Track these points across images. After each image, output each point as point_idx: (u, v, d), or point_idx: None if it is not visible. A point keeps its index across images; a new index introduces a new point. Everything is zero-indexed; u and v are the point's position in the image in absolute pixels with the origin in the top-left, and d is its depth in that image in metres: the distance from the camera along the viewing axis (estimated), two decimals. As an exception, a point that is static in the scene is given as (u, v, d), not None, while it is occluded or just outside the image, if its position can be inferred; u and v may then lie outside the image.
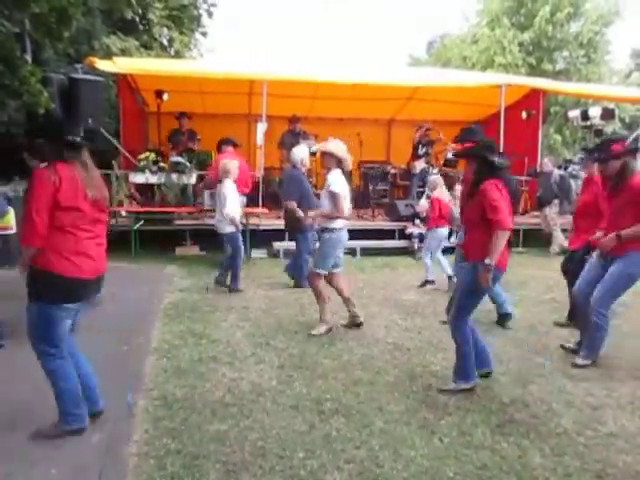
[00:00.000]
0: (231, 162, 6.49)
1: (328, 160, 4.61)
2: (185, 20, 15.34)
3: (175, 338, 4.51)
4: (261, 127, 10.37)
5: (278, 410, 3.24)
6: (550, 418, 3.24)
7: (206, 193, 8.21)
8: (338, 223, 4.68)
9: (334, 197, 4.56)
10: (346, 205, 4.66)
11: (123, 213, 8.63)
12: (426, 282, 6.64)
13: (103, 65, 8.43)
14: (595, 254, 4.19)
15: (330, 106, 11.66)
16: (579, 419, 3.24)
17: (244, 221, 7.43)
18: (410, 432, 3.02)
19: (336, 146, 4.63)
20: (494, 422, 3.18)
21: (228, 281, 6.33)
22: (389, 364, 4.06)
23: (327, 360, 4.09)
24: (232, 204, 6.19)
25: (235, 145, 7.70)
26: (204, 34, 16.57)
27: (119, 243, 8.25)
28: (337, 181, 4.57)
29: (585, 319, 4.12)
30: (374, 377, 3.78)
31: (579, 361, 4.06)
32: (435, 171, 9.51)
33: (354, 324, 4.92)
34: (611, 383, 3.78)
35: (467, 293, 3.50)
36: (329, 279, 4.86)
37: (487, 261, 3.26)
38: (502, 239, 3.27)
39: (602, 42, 17.36)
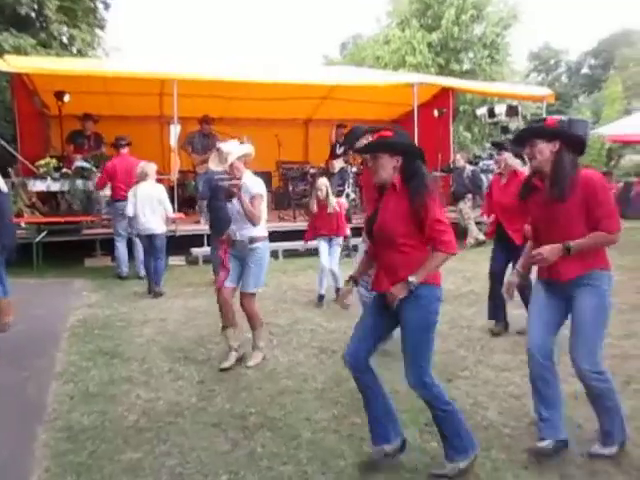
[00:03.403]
0: (148, 164, 6.50)
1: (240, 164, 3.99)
2: (79, 12, 14.38)
3: (83, 359, 4.12)
4: (174, 129, 9.95)
5: (198, 430, 3.01)
6: (476, 411, 3.25)
7: (104, 201, 7.76)
8: (265, 230, 4.17)
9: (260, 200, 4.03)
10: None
11: (22, 224, 7.93)
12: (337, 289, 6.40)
13: (-12, 63, 7.71)
14: (536, 282, 2.91)
15: (246, 107, 11.43)
16: (504, 410, 3.28)
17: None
18: (339, 441, 2.91)
19: (241, 147, 4.13)
20: (422, 421, 3.13)
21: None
22: (316, 369, 3.93)
23: (251, 370, 3.90)
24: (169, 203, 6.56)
25: (129, 144, 7.37)
26: (102, 27, 15.63)
27: (21, 257, 7.56)
28: (257, 182, 4.07)
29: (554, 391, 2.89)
30: (300, 385, 3.64)
31: (605, 451, 2.78)
32: (354, 169, 9.57)
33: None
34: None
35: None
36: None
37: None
38: None
39: (503, 44, 18.34)
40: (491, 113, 11.98)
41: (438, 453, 2.79)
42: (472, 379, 3.73)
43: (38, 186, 7.51)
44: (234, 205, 3.98)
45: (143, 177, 6.43)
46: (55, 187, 7.49)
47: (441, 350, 4.26)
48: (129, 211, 6.39)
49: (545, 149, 2.66)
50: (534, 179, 2.78)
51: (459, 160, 9.82)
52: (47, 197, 8.00)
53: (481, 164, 10.71)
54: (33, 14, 14.15)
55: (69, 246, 8.05)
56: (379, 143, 2.63)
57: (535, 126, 2.86)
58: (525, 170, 4.49)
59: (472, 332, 4.79)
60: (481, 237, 9.88)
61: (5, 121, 12.52)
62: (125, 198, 6.65)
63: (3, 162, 8.14)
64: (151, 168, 6.50)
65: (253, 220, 3.91)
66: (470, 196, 9.55)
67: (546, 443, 2.72)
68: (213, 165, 4.09)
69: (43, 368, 3.96)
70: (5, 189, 4.34)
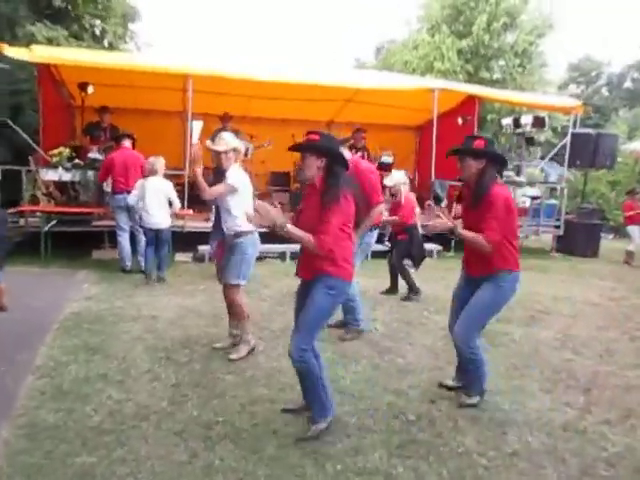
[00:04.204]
0: (157, 159, 6.55)
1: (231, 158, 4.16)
2: (111, 4, 14.56)
3: (64, 354, 4.08)
4: (196, 125, 9.94)
5: (160, 437, 2.92)
6: (454, 437, 3.08)
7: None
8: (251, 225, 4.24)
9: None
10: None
11: (39, 213, 8.02)
12: None
13: (14, 52, 7.82)
14: (461, 276, 3.55)
15: (268, 106, 11.37)
16: (483, 437, 3.09)
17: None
18: (302, 458, 2.78)
19: (236, 141, 4.26)
20: (395, 443, 2.98)
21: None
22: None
23: (230, 376, 3.80)
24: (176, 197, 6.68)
25: (130, 137, 7.36)
26: (132, 21, 15.78)
27: (30, 246, 7.67)
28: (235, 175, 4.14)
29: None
30: (276, 394, 3.52)
31: (468, 400, 3.47)
32: None
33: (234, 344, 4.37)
34: (522, 396, 3.68)
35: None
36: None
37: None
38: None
39: (536, 53, 17.90)
40: (516, 123, 11.64)
41: (403, 479, 2.65)
42: (457, 401, 3.55)
43: (50, 175, 7.58)
44: (221, 201, 4.10)
45: (153, 172, 6.49)
46: (66, 177, 7.55)
47: (430, 367, 4.12)
48: (131, 200, 6.47)
49: (472, 165, 3.20)
50: (464, 188, 3.37)
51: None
52: (64, 187, 8.10)
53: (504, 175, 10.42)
54: (68, 6, 14.41)
55: (79, 237, 8.11)
56: (305, 145, 2.96)
57: (464, 147, 3.26)
58: None
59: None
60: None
61: (33, 111, 12.78)
62: (123, 191, 6.77)
63: (28, 151, 8.22)
64: (160, 163, 6.57)
65: (200, 193, 4.08)
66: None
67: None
68: (215, 146, 4.17)
69: (23, 361, 3.92)
70: None
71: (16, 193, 8.20)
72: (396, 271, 6.46)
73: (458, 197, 3.50)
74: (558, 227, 10.92)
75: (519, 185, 10.26)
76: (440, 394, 3.63)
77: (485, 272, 3.28)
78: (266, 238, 4.29)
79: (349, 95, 11.67)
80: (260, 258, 6.87)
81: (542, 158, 13.97)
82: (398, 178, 6.36)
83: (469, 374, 3.52)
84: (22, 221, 7.75)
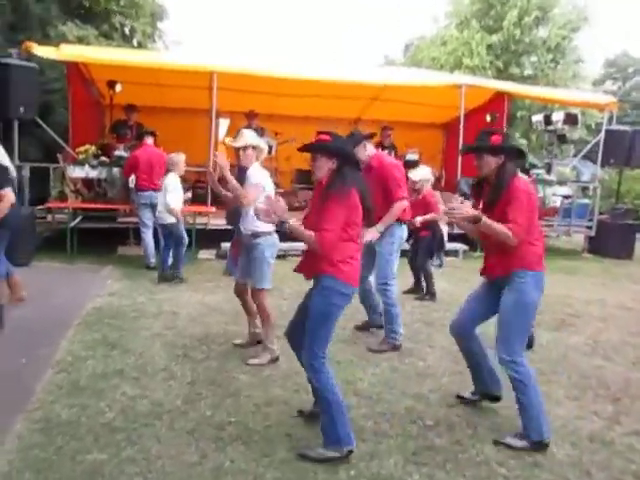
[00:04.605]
0: (177, 156, 6.47)
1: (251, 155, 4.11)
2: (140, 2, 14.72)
3: (84, 349, 4.11)
4: (223, 122, 9.99)
5: (172, 436, 2.89)
6: (472, 444, 2.97)
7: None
8: (269, 226, 4.02)
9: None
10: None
11: (67, 210, 8.15)
12: None
13: (42, 51, 7.95)
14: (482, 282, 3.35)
15: (294, 104, 11.33)
16: (504, 446, 2.96)
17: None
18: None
19: (258, 139, 4.23)
20: (411, 449, 2.89)
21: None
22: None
23: (245, 375, 3.75)
24: (175, 196, 6.33)
25: (153, 134, 7.44)
26: (161, 19, 15.91)
27: (57, 242, 7.80)
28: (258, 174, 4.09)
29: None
30: (291, 396, 3.46)
31: (511, 441, 2.98)
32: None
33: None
34: (548, 404, 3.48)
35: None
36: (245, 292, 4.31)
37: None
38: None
39: (570, 48, 17.39)
40: (547, 120, 11.32)
41: (418, 489, 2.55)
42: (477, 407, 3.43)
43: (77, 172, 7.69)
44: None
45: (170, 168, 6.52)
46: (93, 174, 7.65)
47: (450, 371, 4.00)
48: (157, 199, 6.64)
49: (491, 162, 3.06)
50: (484, 183, 3.19)
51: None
52: (92, 184, 8.22)
53: (531, 173, 10.12)
54: (90, 5, 14.63)
55: (105, 233, 8.22)
56: (315, 145, 2.89)
57: (481, 143, 3.13)
58: None
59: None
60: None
61: (64, 109, 13.04)
62: (147, 188, 6.88)
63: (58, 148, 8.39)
64: (177, 159, 6.54)
65: (241, 201, 3.98)
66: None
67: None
68: (231, 142, 4.19)
69: (44, 355, 3.96)
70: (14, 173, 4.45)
71: (45, 190, 8.36)
72: (419, 271, 6.36)
73: (474, 189, 3.35)
74: (590, 227, 10.57)
75: (549, 184, 9.96)
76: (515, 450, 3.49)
77: (505, 271, 3.05)
78: (288, 237, 4.24)
79: (375, 93, 11.52)
80: (282, 256, 6.82)
81: (575, 156, 13.57)
82: (423, 174, 6.25)
83: (523, 416, 3.00)
84: (50, 217, 7.89)
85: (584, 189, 11.63)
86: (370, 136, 4.65)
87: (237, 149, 4.08)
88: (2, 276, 4.97)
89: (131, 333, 4.54)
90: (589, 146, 11.20)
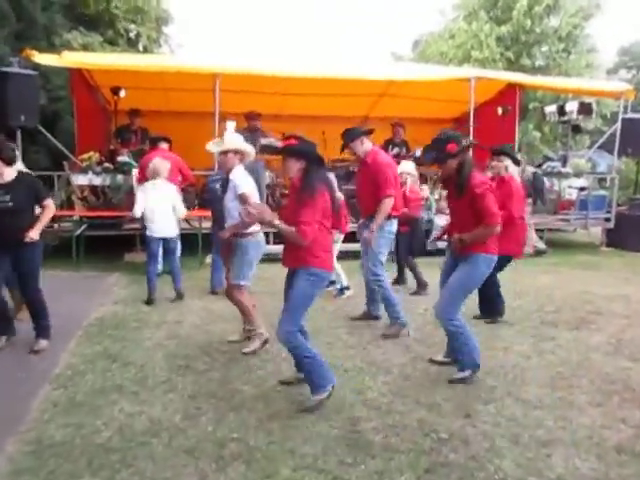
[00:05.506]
0: (162, 162, 6.03)
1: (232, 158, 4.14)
2: (144, 8, 14.66)
3: (83, 362, 3.98)
4: (230, 125, 9.86)
5: (169, 456, 2.73)
6: (490, 459, 2.76)
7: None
8: (254, 227, 4.17)
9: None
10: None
11: (75, 217, 8.08)
12: (342, 289, 6.13)
13: (43, 59, 7.88)
14: (447, 254, 4.04)
15: (301, 104, 11.17)
16: (524, 460, 2.76)
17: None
18: (314, 411, 2.58)
19: (241, 143, 4.22)
20: (423, 466, 2.69)
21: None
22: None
23: (248, 387, 3.59)
24: (181, 204, 5.99)
25: (167, 140, 7.29)
26: (166, 24, 15.85)
27: (63, 250, 7.71)
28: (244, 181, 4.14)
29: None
30: (296, 408, 3.28)
31: (456, 375, 3.74)
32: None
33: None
34: (569, 411, 3.32)
35: None
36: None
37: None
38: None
39: (582, 36, 16.97)
40: (561, 111, 11.03)
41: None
42: (494, 416, 3.22)
43: (81, 180, 7.60)
44: (226, 200, 4.13)
45: (156, 175, 5.88)
46: (97, 181, 7.56)
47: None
48: (137, 213, 6.25)
49: (452, 164, 3.61)
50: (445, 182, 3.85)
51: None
52: (98, 191, 8.13)
53: (545, 166, 9.85)
54: (104, 13, 14.61)
55: (112, 240, 8.13)
56: (285, 149, 3.24)
57: (440, 155, 3.62)
58: (514, 176, 5.02)
59: (507, 356, 4.24)
60: (541, 246, 9.11)
61: (71, 116, 13.04)
62: None
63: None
64: (164, 165, 6.01)
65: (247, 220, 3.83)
66: (530, 201, 8.78)
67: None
68: (212, 148, 4.24)
69: (43, 369, 3.84)
70: None
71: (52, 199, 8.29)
72: (402, 264, 6.48)
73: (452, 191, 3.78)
74: (608, 220, 10.24)
75: (564, 177, 9.66)
76: (476, 408, 3.31)
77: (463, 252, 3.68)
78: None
79: (382, 89, 11.33)
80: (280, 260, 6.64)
81: (590, 147, 13.22)
82: (404, 168, 6.25)
83: (454, 351, 3.85)
84: (56, 226, 7.81)
85: (601, 180, 11.30)
86: (368, 132, 4.73)
87: (221, 154, 4.13)
88: None
89: (133, 344, 4.40)
90: (605, 136, 10.87)
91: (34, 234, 4.04)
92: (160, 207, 5.77)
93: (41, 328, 4.32)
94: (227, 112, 9.06)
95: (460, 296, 3.72)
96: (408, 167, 6.32)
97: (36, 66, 7.95)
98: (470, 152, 3.73)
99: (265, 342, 4.25)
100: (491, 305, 5.17)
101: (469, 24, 16.39)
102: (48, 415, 3.15)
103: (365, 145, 4.61)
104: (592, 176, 10.72)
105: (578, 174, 10.06)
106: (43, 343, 4.27)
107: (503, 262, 4.78)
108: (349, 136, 4.60)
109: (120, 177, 7.61)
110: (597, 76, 18.20)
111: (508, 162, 4.89)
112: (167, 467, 2.63)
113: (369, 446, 2.85)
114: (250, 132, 8.97)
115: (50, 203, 4.30)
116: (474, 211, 3.58)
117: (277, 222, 3.09)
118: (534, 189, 8.80)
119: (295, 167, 3.21)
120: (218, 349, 4.29)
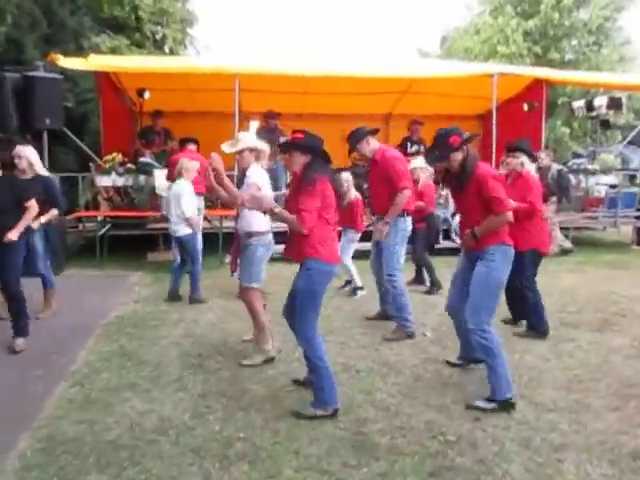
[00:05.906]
0: (190, 162, 6.09)
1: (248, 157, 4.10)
2: (170, 10, 14.85)
3: (100, 360, 4.07)
4: (253, 125, 9.93)
5: (176, 455, 2.77)
6: (498, 463, 2.71)
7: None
8: (263, 227, 4.11)
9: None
10: None
11: (99, 217, 8.27)
12: (355, 289, 6.14)
13: (69, 63, 8.07)
14: (461, 255, 3.77)
15: (324, 102, 11.17)
16: (534, 465, 2.71)
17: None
18: (307, 419, 2.57)
19: (256, 141, 4.20)
20: (428, 469, 2.67)
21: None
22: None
23: (258, 386, 3.61)
24: (188, 204, 5.79)
25: (195, 142, 7.32)
26: (191, 25, 16.02)
27: (88, 249, 7.91)
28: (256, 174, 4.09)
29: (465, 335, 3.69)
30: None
31: (480, 404, 3.29)
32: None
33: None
34: (584, 415, 3.24)
35: None
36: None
37: None
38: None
39: (614, 29, 16.48)
40: (589, 106, 10.73)
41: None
42: (505, 419, 3.16)
43: (104, 181, 7.77)
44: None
45: (178, 175, 5.99)
46: (120, 182, 7.71)
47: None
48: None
49: (457, 157, 3.45)
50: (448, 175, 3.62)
51: (543, 159, 8.83)
52: (123, 192, 8.28)
53: (570, 162, 9.60)
54: (132, 15, 14.87)
55: (136, 240, 8.28)
56: (290, 143, 3.26)
57: (444, 152, 3.45)
58: (530, 172, 4.84)
59: (524, 359, 4.16)
60: (567, 245, 8.88)
61: (98, 118, 13.33)
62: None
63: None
64: (192, 165, 6.08)
65: (236, 201, 3.87)
66: (555, 199, 8.55)
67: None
68: (226, 148, 4.13)
69: (61, 366, 3.94)
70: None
71: (77, 199, 8.50)
72: (420, 262, 6.40)
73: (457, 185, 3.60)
74: (639, 218, 9.93)
75: (592, 173, 9.40)
76: (487, 410, 3.25)
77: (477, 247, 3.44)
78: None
79: (404, 86, 11.22)
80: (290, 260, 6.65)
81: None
82: (417, 163, 6.22)
83: (489, 374, 3.37)
84: (80, 226, 8.00)
85: (632, 177, 10.95)
86: (374, 131, 4.68)
87: (237, 153, 4.09)
88: (53, 285, 5.23)
89: (149, 342, 4.48)
90: (635, 130, 10.54)
91: (13, 235, 4.11)
92: (172, 206, 5.86)
93: (19, 328, 4.32)
94: (250, 112, 9.13)
95: (485, 298, 3.33)
96: (418, 162, 6.24)
97: (64, 70, 8.16)
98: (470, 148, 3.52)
99: (268, 360, 4.04)
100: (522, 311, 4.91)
101: (495, 19, 16.09)
102: (62, 412, 3.23)
103: (372, 144, 4.56)
104: (622, 172, 10.40)
105: (605, 171, 9.77)
106: (21, 341, 4.28)
107: (535, 259, 4.70)
108: (354, 139, 4.53)
109: (142, 178, 7.73)
110: (632, 69, 17.66)
111: (524, 158, 4.76)
112: (173, 465, 2.67)
113: (374, 448, 2.84)
114: (268, 132, 9.02)
115: (32, 204, 4.31)
116: (482, 202, 3.36)
117: (278, 209, 3.10)
118: (559, 187, 8.57)
119: (300, 161, 3.18)
120: (232, 348, 4.33)
